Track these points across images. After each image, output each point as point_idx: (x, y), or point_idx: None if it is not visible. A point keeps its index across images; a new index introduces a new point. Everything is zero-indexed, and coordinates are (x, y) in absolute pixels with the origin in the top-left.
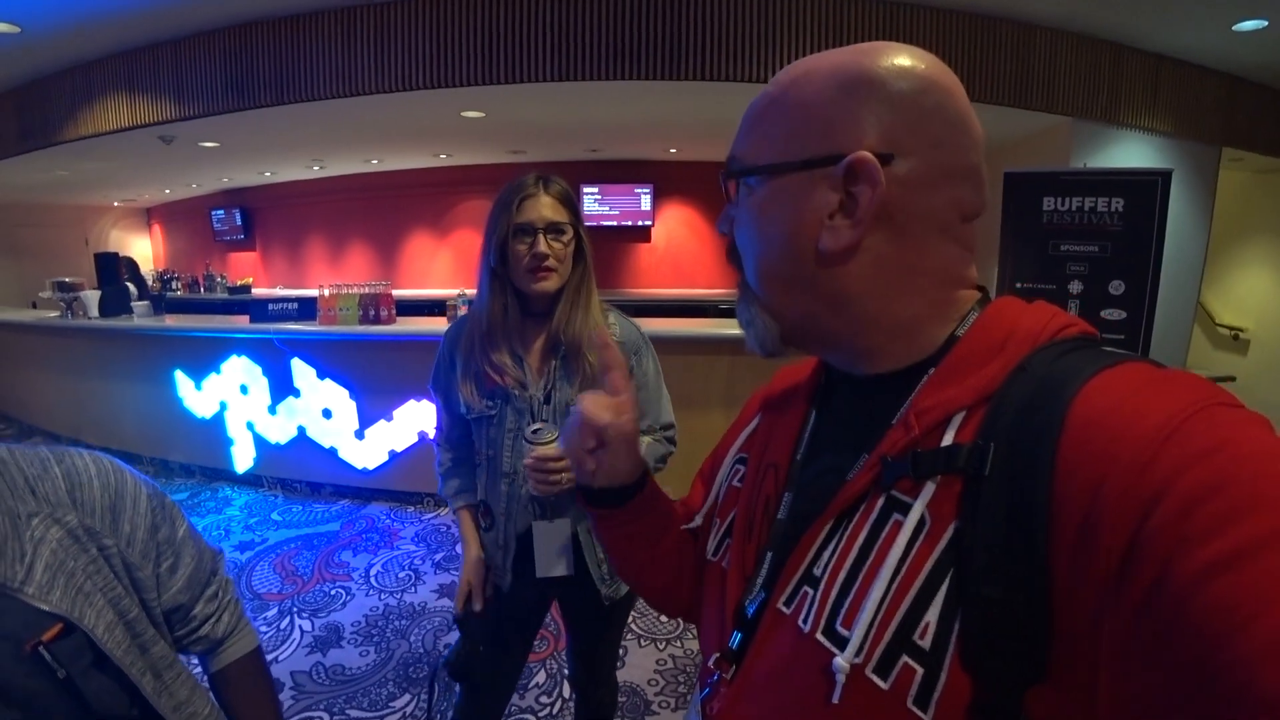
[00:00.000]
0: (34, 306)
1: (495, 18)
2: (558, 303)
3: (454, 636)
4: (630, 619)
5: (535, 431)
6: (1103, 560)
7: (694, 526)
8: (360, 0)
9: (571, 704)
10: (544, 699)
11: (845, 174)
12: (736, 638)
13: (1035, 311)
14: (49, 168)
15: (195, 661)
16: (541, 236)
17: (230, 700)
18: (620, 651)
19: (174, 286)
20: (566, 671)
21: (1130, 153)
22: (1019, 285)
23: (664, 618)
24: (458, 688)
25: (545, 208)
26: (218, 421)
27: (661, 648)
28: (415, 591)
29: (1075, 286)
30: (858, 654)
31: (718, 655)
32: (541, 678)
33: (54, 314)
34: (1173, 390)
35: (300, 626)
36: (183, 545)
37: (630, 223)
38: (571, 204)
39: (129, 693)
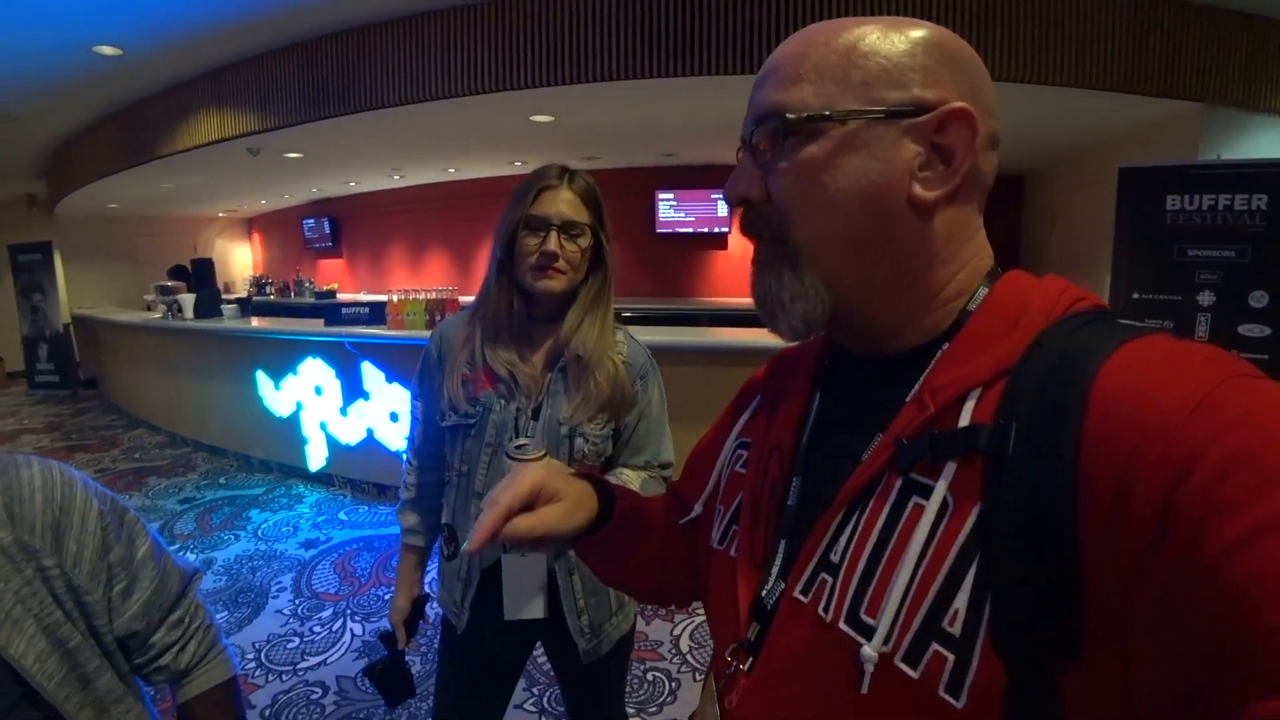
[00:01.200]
0: (148, 309)
1: (559, 18)
2: (567, 308)
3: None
4: (686, 650)
5: (519, 447)
6: (1134, 532)
7: (694, 517)
8: (425, 8)
9: None
10: None
11: (937, 125)
12: (755, 630)
13: (1047, 285)
14: (156, 181)
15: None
16: (554, 234)
17: None
18: (674, 685)
19: (267, 291)
20: None
21: (1272, 141)
22: (1135, 296)
23: None
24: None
25: (564, 203)
26: (294, 421)
27: None
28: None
29: (1206, 298)
30: (885, 643)
31: (734, 646)
32: None
33: (158, 315)
34: (1197, 362)
35: (351, 630)
36: (141, 567)
37: (706, 229)
38: (596, 203)
39: None
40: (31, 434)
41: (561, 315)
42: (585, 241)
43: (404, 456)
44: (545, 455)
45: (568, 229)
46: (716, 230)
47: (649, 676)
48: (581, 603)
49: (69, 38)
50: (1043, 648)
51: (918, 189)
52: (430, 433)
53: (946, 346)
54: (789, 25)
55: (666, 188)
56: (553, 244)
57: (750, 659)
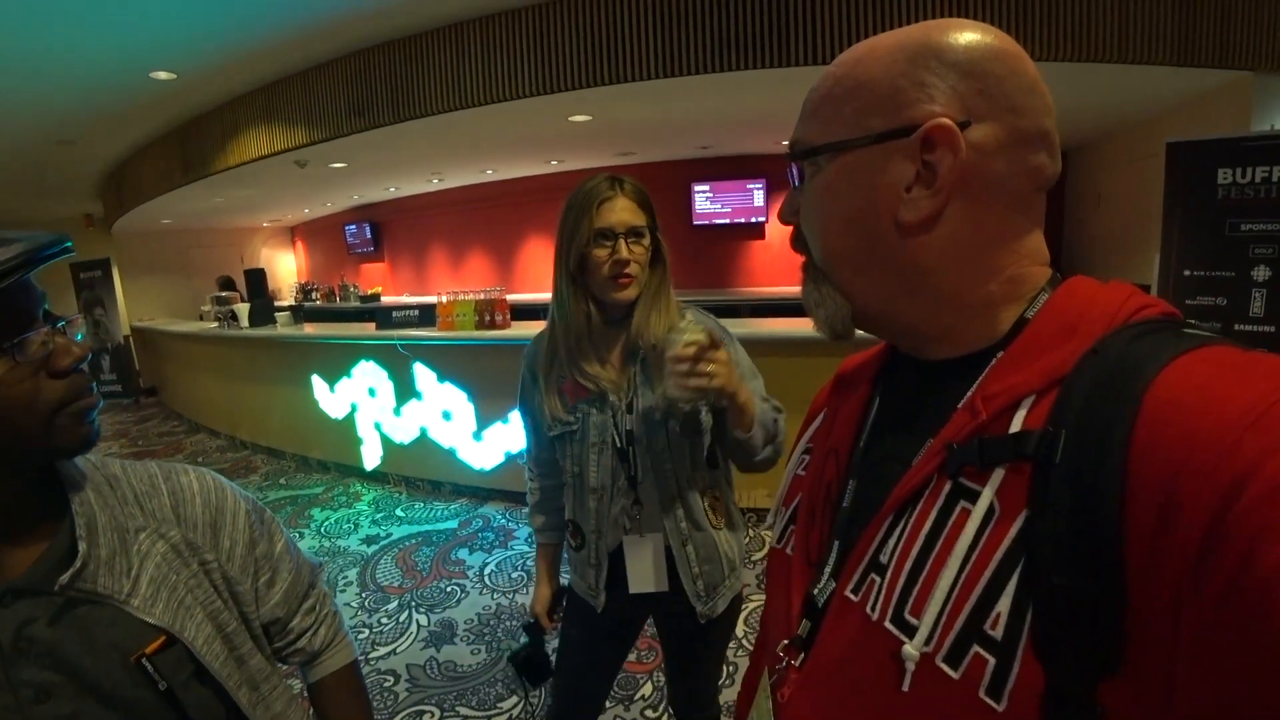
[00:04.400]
0: (201, 318)
1: (596, 20)
2: (635, 307)
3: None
4: (741, 635)
5: (681, 329)
6: (1181, 548)
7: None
8: (466, 16)
9: None
10: (649, 712)
11: (922, 143)
12: (806, 626)
13: (1110, 292)
14: (208, 196)
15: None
16: (622, 242)
17: (325, 711)
18: (729, 669)
19: (313, 297)
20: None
21: None
22: (1187, 273)
23: None
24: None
25: (625, 211)
26: (349, 422)
27: None
28: (527, 592)
29: (1261, 272)
30: (927, 643)
31: (786, 643)
32: (648, 690)
33: (215, 325)
34: (1258, 374)
35: (417, 621)
36: (280, 560)
37: (743, 220)
38: (649, 205)
39: (226, 705)
40: (101, 441)
41: (631, 313)
42: (647, 242)
43: (526, 466)
44: (704, 329)
45: (632, 234)
46: (753, 220)
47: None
48: (696, 569)
49: (127, 66)
50: (1084, 656)
51: (903, 210)
52: (542, 442)
53: (1001, 354)
54: (822, 18)
55: (702, 180)
56: (623, 251)
57: (801, 655)
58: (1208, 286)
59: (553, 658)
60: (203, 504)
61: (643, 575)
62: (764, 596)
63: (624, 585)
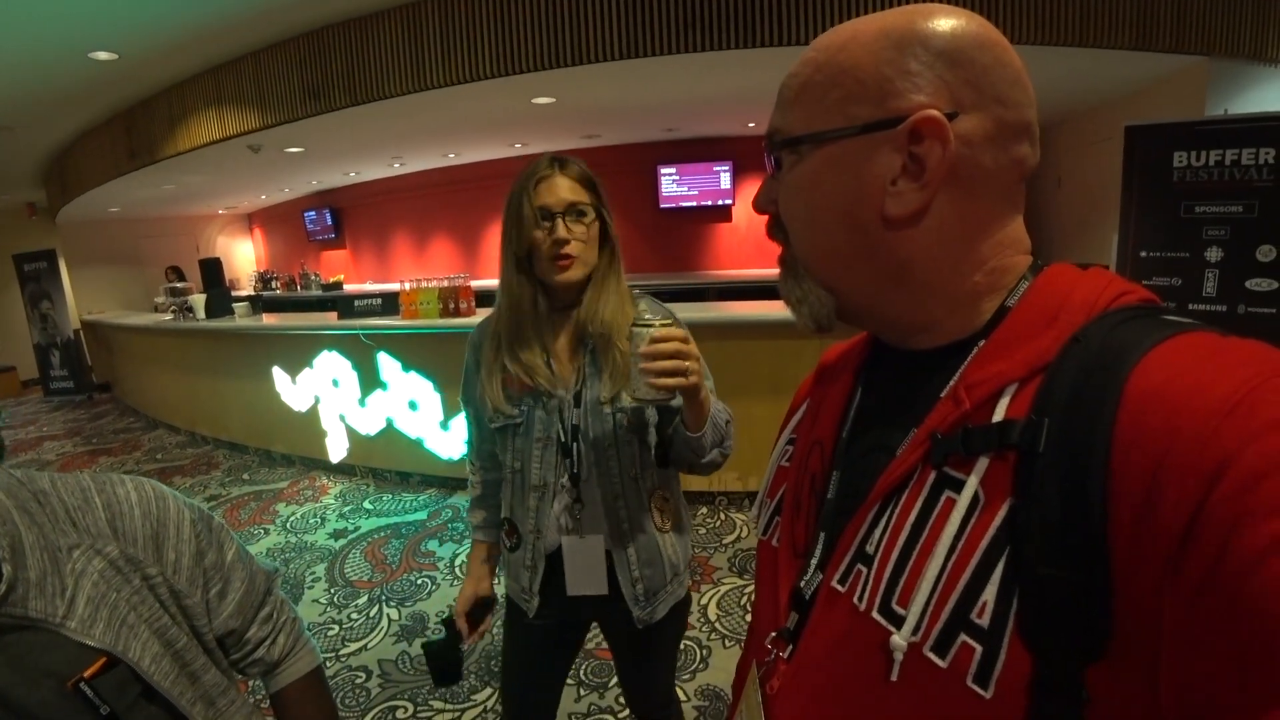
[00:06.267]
0: (156, 310)
1: None
2: (584, 292)
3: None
4: (715, 618)
5: (646, 321)
6: (1163, 536)
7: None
8: None
9: None
10: (624, 699)
11: (909, 135)
12: (793, 618)
13: (1090, 279)
14: (158, 183)
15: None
16: (560, 220)
17: None
18: (705, 653)
19: (273, 286)
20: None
21: (1279, 93)
22: (1143, 254)
23: (749, 618)
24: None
25: (563, 189)
26: (313, 414)
27: None
28: (498, 583)
29: (1214, 254)
30: (914, 632)
31: (773, 635)
32: None
33: (169, 317)
34: (1238, 360)
35: (388, 615)
36: (231, 569)
37: (710, 202)
38: (592, 184)
39: None
40: (53, 440)
41: (580, 299)
42: (590, 219)
43: (468, 460)
44: (673, 321)
45: (572, 212)
46: (720, 203)
47: (681, 645)
48: (636, 573)
49: (64, 46)
50: (1070, 644)
51: (890, 204)
52: (484, 433)
53: (983, 343)
54: None
55: (668, 162)
56: (561, 230)
57: (789, 647)
58: (1163, 267)
59: (465, 660)
60: (142, 515)
61: (581, 577)
62: (737, 580)
63: (560, 589)
